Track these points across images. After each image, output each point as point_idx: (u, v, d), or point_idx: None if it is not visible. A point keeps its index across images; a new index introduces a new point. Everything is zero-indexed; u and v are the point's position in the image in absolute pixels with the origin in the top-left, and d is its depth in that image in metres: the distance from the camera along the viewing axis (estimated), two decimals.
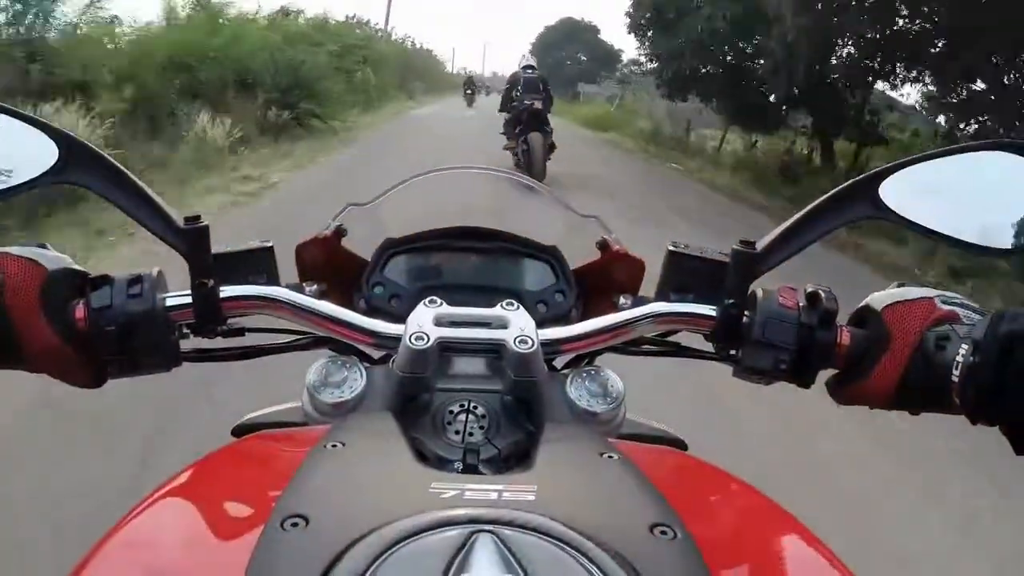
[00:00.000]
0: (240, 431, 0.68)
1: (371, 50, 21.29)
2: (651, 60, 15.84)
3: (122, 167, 0.59)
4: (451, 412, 0.58)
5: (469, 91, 27.34)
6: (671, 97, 15.65)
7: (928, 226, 0.61)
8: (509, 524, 0.36)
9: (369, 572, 0.33)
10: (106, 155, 0.59)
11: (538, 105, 8.30)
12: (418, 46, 40.02)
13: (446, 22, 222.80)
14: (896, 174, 0.61)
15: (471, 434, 0.57)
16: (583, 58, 52.56)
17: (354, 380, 0.62)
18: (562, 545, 0.36)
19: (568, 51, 51.88)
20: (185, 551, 0.44)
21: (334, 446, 0.47)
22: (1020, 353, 0.49)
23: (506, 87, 9.34)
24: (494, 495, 0.40)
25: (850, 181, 0.62)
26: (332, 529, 0.37)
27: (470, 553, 0.34)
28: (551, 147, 8.30)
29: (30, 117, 0.58)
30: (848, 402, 0.63)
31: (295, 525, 0.37)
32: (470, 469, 0.55)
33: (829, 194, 0.62)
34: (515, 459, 0.56)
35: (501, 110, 9.28)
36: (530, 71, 8.98)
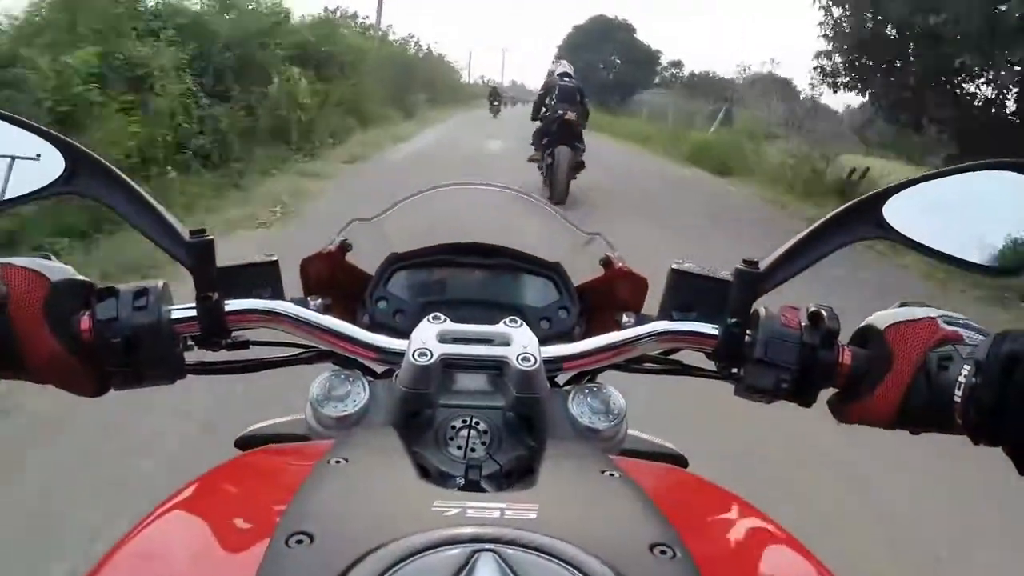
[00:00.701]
0: (243, 443, 0.71)
1: (337, 46, 13.68)
2: (845, 52, 8.94)
3: (128, 179, 0.60)
4: (453, 428, 0.59)
5: (495, 102, 28.00)
6: (918, 125, 8.60)
7: (931, 246, 0.62)
8: (511, 543, 0.37)
9: None
10: (112, 167, 0.60)
11: (571, 115, 7.75)
12: (425, 49, 32.76)
13: (460, 26, 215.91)
14: (900, 193, 0.62)
15: (473, 450, 0.58)
16: (617, 61, 46.12)
17: (357, 394, 0.63)
18: (563, 564, 0.36)
19: (601, 53, 45.52)
20: (190, 567, 0.44)
21: (338, 462, 0.48)
22: (1022, 374, 0.49)
23: (539, 94, 8.98)
24: (496, 513, 0.41)
25: (854, 200, 0.63)
26: (337, 547, 0.37)
27: (472, 572, 0.34)
28: (579, 165, 7.81)
29: (37, 127, 0.58)
30: (850, 421, 0.63)
31: (300, 542, 0.38)
32: (472, 485, 0.55)
33: (833, 213, 0.63)
34: (517, 475, 0.56)
35: (533, 118, 8.85)
36: (567, 79, 8.43)
